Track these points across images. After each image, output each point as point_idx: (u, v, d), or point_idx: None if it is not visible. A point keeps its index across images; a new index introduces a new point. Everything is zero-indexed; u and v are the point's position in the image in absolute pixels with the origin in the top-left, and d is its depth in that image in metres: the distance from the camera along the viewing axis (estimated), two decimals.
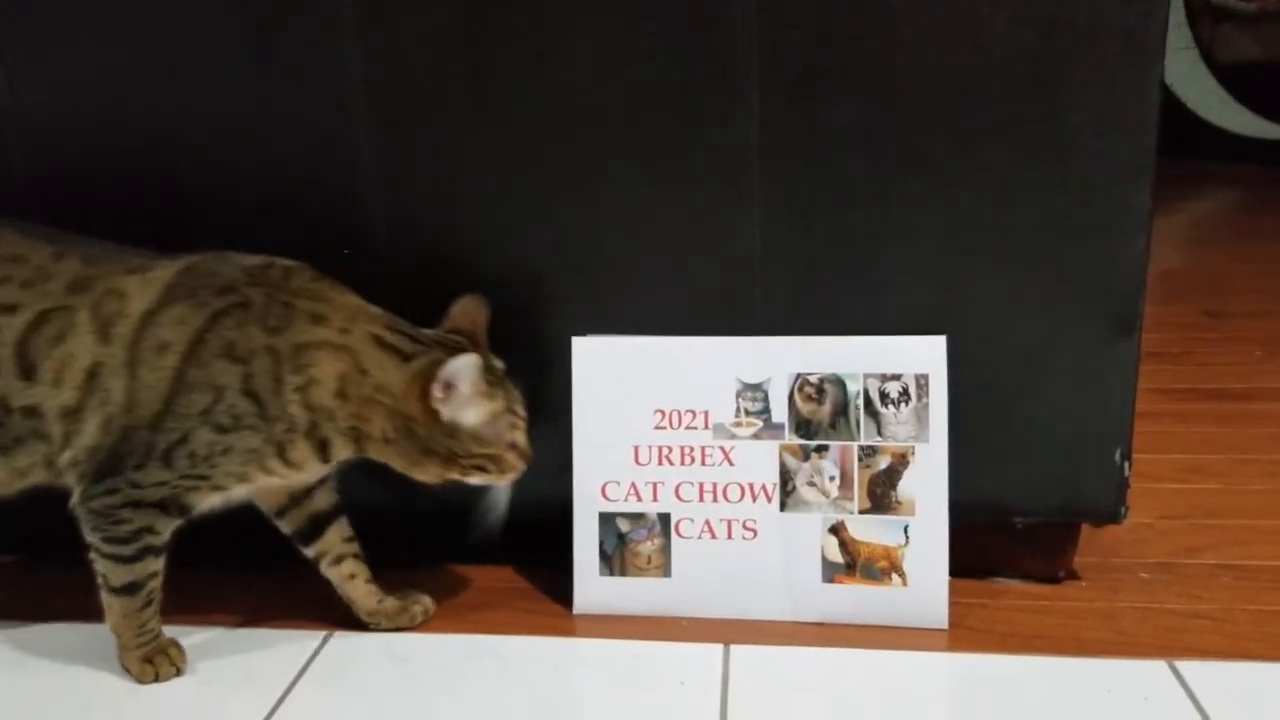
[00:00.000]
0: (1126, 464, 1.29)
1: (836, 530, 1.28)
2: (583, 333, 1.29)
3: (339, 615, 1.28)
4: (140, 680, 1.18)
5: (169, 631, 1.22)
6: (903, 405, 1.26)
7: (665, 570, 1.30)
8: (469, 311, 1.21)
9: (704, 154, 1.24)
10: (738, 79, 1.21)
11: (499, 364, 1.19)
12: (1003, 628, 1.27)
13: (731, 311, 1.28)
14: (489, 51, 1.24)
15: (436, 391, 1.11)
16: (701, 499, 1.29)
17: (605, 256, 1.28)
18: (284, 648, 1.25)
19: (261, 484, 1.18)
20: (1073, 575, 1.38)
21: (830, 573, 1.28)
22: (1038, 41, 1.19)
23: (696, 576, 1.30)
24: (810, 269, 1.27)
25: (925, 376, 1.26)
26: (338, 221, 1.27)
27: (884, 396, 1.27)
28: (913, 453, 1.26)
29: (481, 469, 1.17)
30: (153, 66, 1.27)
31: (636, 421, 1.30)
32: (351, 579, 1.27)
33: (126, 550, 1.14)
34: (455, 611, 1.32)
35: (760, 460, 1.29)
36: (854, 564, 1.28)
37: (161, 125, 1.28)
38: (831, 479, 1.28)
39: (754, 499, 1.29)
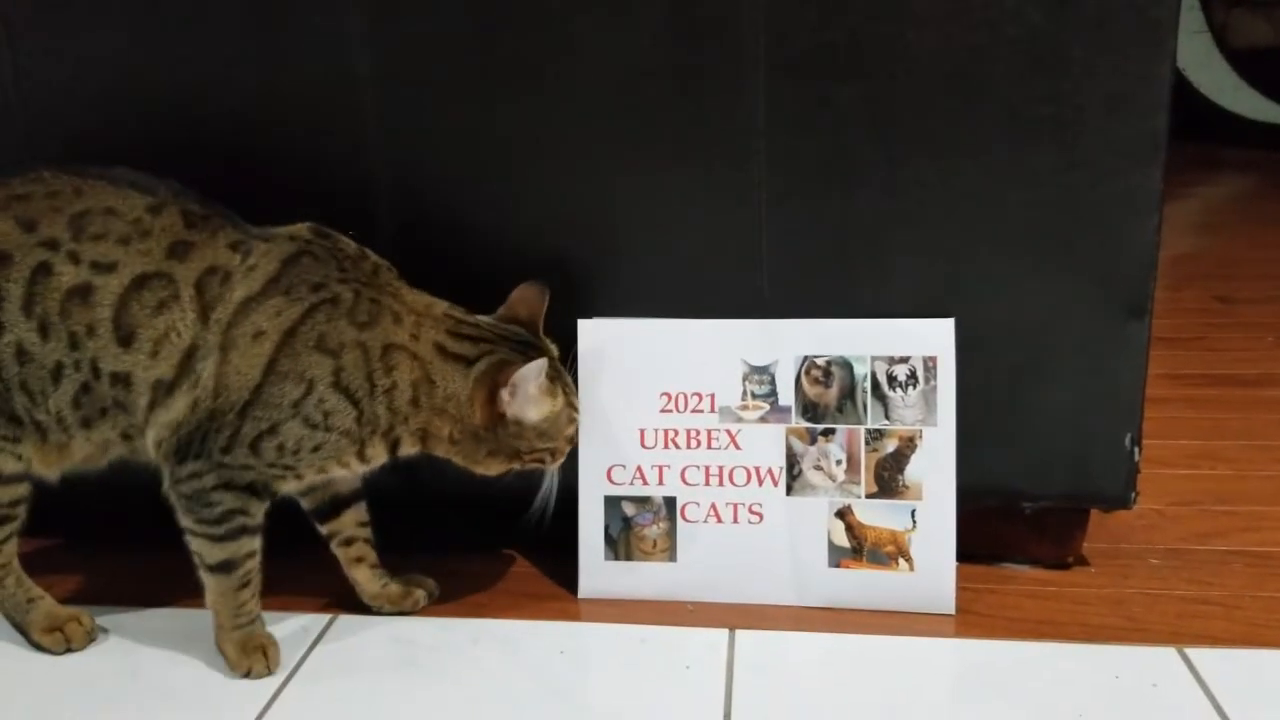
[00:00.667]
0: (1137, 449, 1.28)
1: (843, 514, 1.27)
2: (588, 315, 1.28)
3: (343, 599, 1.29)
4: (234, 670, 1.17)
5: (171, 611, 1.22)
6: (910, 388, 1.26)
7: (671, 554, 1.30)
8: (528, 299, 1.20)
9: (709, 135, 1.24)
10: (743, 59, 1.21)
11: (554, 350, 1.20)
12: (1011, 613, 1.27)
13: (738, 293, 1.28)
14: (495, 33, 1.23)
15: (505, 395, 1.12)
16: (707, 483, 1.29)
17: (610, 239, 1.28)
18: (288, 630, 1.25)
19: (332, 475, 1.19)
20: (1082, 561, 1.37)
21: (836, 557, 1.28)
22: (1046, 20, 1.17)
23: (702, 561, 1.29)
24: (816, 251, 1.26)
25: (933, 359, 1.25)
26: (341, 201, 1.26)
27: (892, 379, 1.26)
28: (920, 436, 1.25)
29: (540, 461, 1.19)
30: (156, 44, 1.27)
31: (642, 404, 1.29)
32: (358, 562, 1.28)
33: (219, 530, 1.14)
34: (459, 596, 1.32)
35: (766, 444, 1.28)
36: (860, 548, 1.27)
37: (166, 104, 1.28)
38: (838, 463, 1.27)
39: (760, 483, 1.28)
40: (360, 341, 1.12)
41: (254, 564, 1.17)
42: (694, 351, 1.28)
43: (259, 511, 1.15)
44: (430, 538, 1.37)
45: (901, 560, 1.27)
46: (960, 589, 1.27)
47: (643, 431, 1.30)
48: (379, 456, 1.17)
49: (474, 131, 1.26)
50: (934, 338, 1.25)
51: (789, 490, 1.28)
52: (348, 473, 1.19)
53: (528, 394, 1.14)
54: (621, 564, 1.30)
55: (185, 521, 1.15)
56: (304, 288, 1.12)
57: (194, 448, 1.11)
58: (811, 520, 1.28)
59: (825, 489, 1.27)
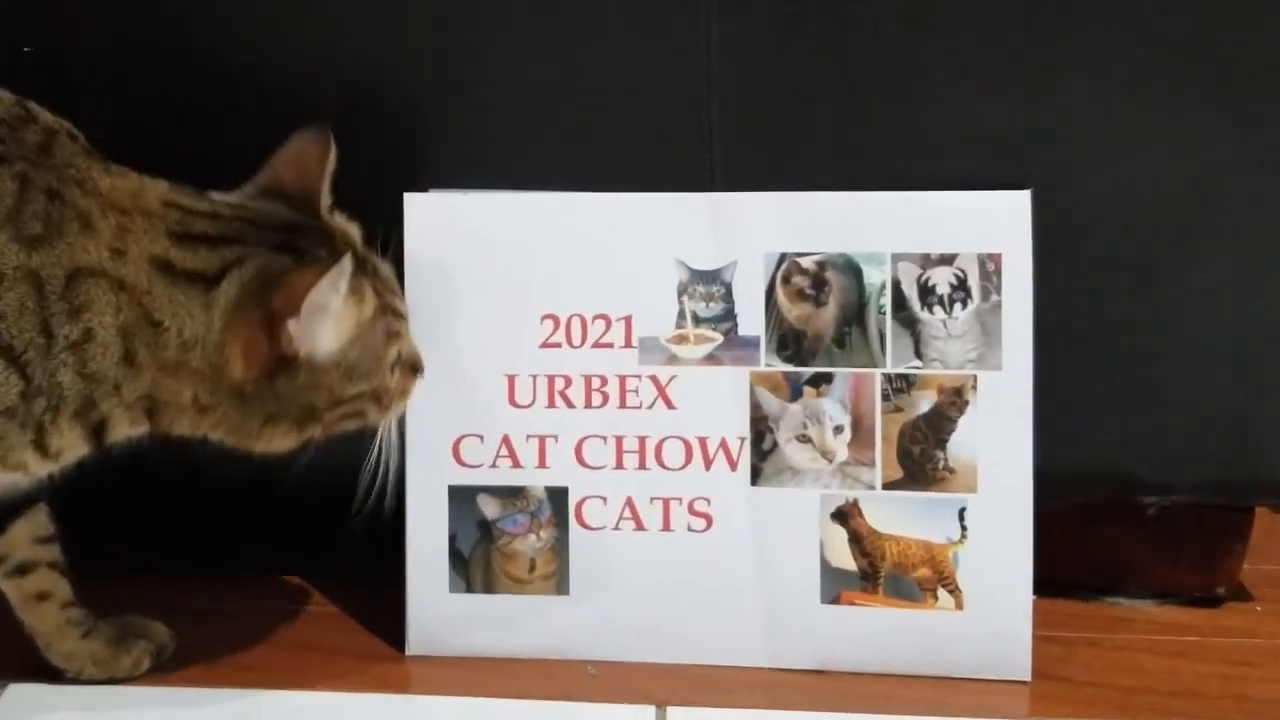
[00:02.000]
0: None
1: (846, 516, 1.09)
2: (421, 188, 1.10)
3: (21, 658, 1.09)
4: None
5: None
6: (958, 306, 1.06)
7: (559, 583, 1.11)
8: (300, 159, 1.01)
9: None
10: None
11: (353, 232, 1.01)
12: (1124, 679, 1.10)
13: (669, 151, 1.10)
14: None
15: (292, 327, 0.94)
16: (620, 464, 1.10)
17: (458, 66, 1.12)
18: None
19: None
20: (1241, 594, 1.23)
21: (835, 587, 1.10)
22: None
23: (611, 593, 1.12)
24: (800, 74, 1.09)
25: (996, 258, 1.05)
26: None
27: (927, 292, 1.07)
28: (974, 386, 1.07)
29: (357, 416, 1.01)
30: None
31: (511, 333, 1.10)
32: (41, 600, 1.07)
33: None
34: (220, 651, 1.12)
35: (718, 399, 1.09)
36: (875, 573, 1.10)
37: None
38: (838, 430, 1.09)
39: (707, 464, 1.09)
40: (30, 269, 0.92)
41: None
42: (597, 247, 1.09)
43: None
44: (165, 553, 1.20)
45: (943, 592, 1.09)
46: (1040, 639, 1.08)
47: (512, 380, 1.09)
48: (72, 447, 0.97)
49: None
50: (998, 221, 1.06)
51: (756, 476, 1.09)
52: (18, 477, 1.00)
53: (325, 311, 0.93)
54: (478, 599, 1.11)
55: None
56: None
57: None
58: (793, 526, 1.09)
59: (816, 474, 1.09)
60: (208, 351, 0.95)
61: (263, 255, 0.95)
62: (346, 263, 0.93)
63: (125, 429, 0.98)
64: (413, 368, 1.03)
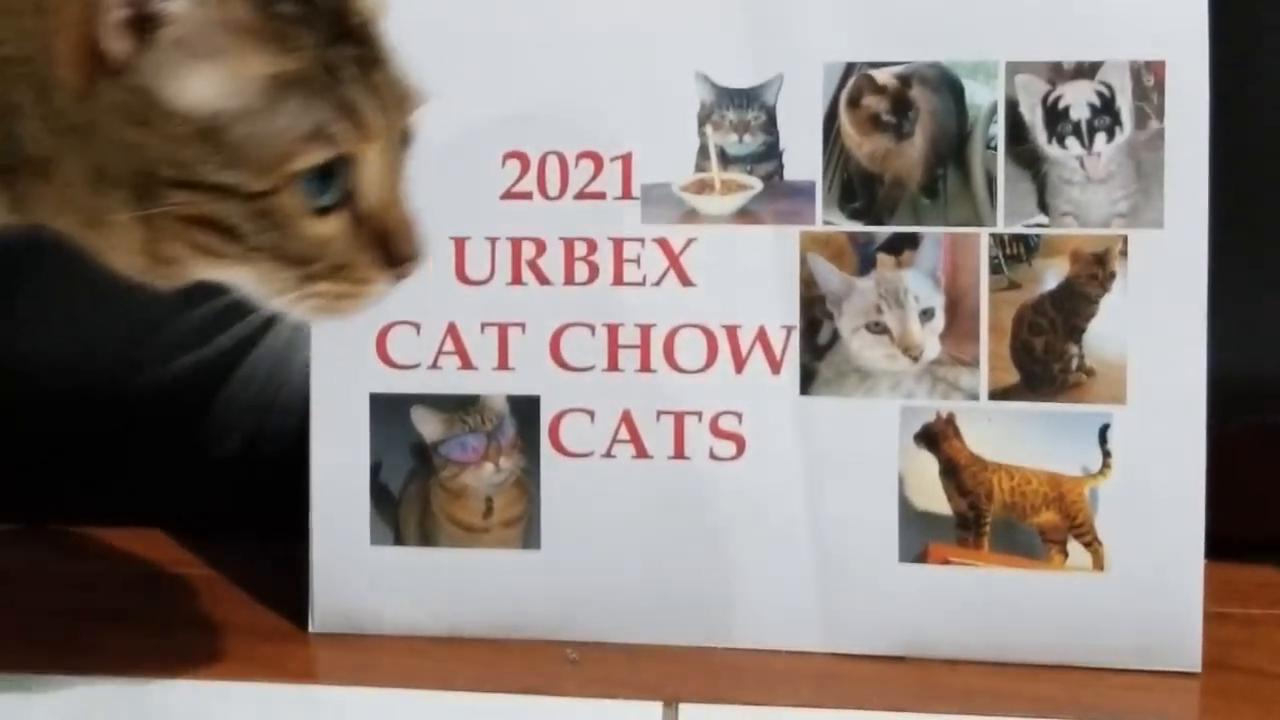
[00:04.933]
0: None
1: (937, 437, 0.96)
2: None
3: None
4: None
5: None
6: (1101, 138, 0.93)
7: (527, 533, 0.98)
8: None
9: None
10: None
11: None
12: None
13: None
14: None
15: (104, 22, 0.77)
16: (614, 365, 0.97)
17: None
18: None
19: None
20: None
21: (920, 537, 0.97)
22: None
23: (601, 548, 0.99)
24: None
25: (1158, 69, 0.92)
26: None
27: (1057, 117, 0.94)
28: (1123, 252, 0.93)
29: (224, 228, 0.80)
30: None
31: (459, 179, 0.96)
32: None
33: None
34: (47, 626, 1.00)
35: (755, 273, 0.96)
36: (978, 518, 0.97)
37: None
38: (926, 315, 0.96)
39: (739, 364, 0.96)
40: None
41: None
42: (581, 56, 0.96)
43: None
44: None
45: (1075, 545, 0.96)
46: (1213, 617, 0.96)
47: (461, 245, 0.95)
48: None
49: None
50: (1162, 15, 0.93)
51: (809, 381, 0.96)
52: None
53: (179, 38, 0.74)
54: (411, 555, 0.99)
55: None
56: None
57: None
58: (861, 452, 0.96)
59: (895, 378, 0.96)
60: (38, 63, 0.78)
61: None
62: None
63: None
64: (384, 244, 0.80)
